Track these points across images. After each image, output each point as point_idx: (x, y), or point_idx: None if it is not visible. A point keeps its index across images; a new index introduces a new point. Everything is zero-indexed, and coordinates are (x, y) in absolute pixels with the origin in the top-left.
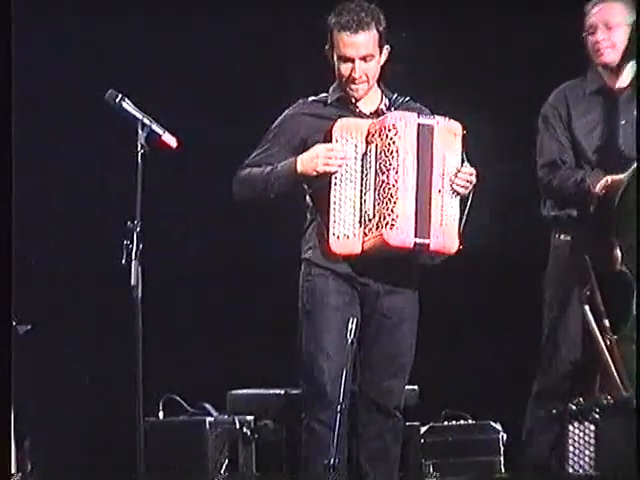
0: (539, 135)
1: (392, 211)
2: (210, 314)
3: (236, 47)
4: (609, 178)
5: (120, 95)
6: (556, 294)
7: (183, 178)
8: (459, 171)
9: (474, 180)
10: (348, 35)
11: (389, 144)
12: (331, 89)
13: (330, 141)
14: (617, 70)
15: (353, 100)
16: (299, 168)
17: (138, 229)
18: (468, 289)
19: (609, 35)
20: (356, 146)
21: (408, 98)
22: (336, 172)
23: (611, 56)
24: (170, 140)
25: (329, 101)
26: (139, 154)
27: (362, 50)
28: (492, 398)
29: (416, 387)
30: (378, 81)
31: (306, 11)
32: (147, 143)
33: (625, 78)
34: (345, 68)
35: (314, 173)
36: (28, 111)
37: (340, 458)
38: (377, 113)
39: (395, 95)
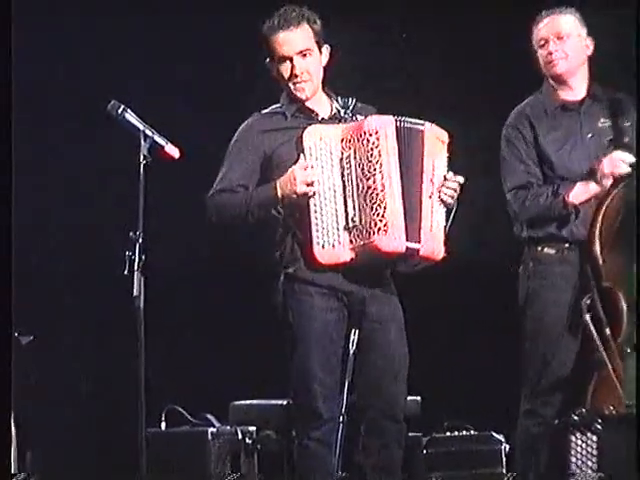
0: (503, 158)
1: (383, 216)
2: (212, 324)
3: (237, 52)
4: (581, 184)
5: (122, 106)
6: (545, 306)
7: (185, 188)
8: (447, 179)
9: (458, 190)
10: (281, 33)
11: (371, 149)
12: (282, 99)
13: (302, 151)
14: (571, 82)
15: (303, 98)
16: (279, 192)
17: (140, 240)
18: (469, 298)
19: (561, 46)
20: (331, 152)
21: (356, 100)
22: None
23: (564, 67)
24: (173, 151)
25: (286, 112)
26: (141, 165)
27: (297, 45)
28: (494, 409)
29: (418, 398)
30: (323, 85)
31: None
32: (150, 154)
33: (580, 89)
34: (285, 68)
35: (294, 195)
36: (27, 117)
37: (340, 474)
38: (335, 118)
39: (343, 98)
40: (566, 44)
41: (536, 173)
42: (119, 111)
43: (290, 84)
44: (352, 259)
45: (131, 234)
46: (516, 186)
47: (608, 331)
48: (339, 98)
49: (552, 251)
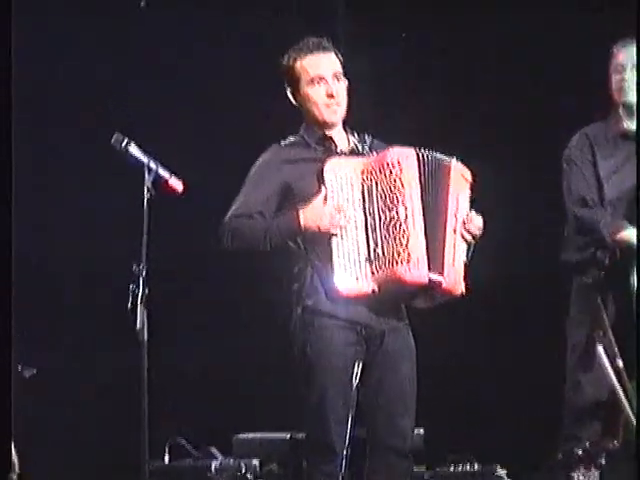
0: (565, 177)
1: (405, 247)
2: (215, 356)
3: (240, 86)
4: (626, 233)
5: (126, 140)
6: (577, 336)
7: (188, 220)
8: (469, 217)
9: (480, 230)
10: (315, 54)
11: (394, 180)
12: (303, 131)
13: (323, 183)
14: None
15: (334, 121)
16: (302, 223)
17: (144, 273)
18: (472, 332)
19: (636, 76)
20: (352, 184)
21: (372, 137)
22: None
23: (635, 96)
24: (176, 184)
25: (308, 141)
26: (145, 198)
27: (333, 66)
28: (498, 442)
29: (422, 430)
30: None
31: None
32: (153, 187)
33: None
34: (318, 89)
35: (317, 230)
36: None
37: None
38: (353, 152)
39: (360, 134)
40: None
41: (595, 193)
42: (122, 144)
43: (323, 105)
44: (373, 291)
45: (134, 267)
46: (577, 200)
47: (620, 363)
48: (355, 133)
49: (590, 279)
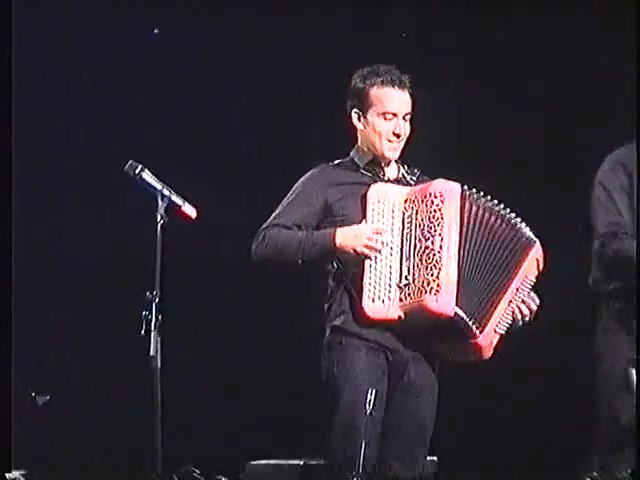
0: (594, 204)
1: (437, 277)
2: (228, 383)
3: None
4: None
5: (140, 166)
6: (612, 362)
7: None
8: (531, 296)
9: (533, 310)
10: (395, 89)
11: (434, 210)
12: (354, 153)
13: (364, 206)
14: None
15: (386, 160)
16: (338, 242)
17: (157, 300)
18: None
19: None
20: (393, 211)
21: (421, 171)
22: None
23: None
24: (190, 211)
25: (360, 166)
26: (158, 225)
27: (406, 106)
28: (511, 467)
29: (435, 458)
30: None
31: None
32: (166, 214)
33: None
34: (387, 124)
35: (351, 251)
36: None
37: None
38: (399, 181)
39: (410, 167)
40: None
41: (626, 222)
42: (136, 171)
43: (386, 141)
44: (399, 317)
45: (147, 294)
46: (602, 234)
47: None
48: (405, 165)
49: (623, 305)
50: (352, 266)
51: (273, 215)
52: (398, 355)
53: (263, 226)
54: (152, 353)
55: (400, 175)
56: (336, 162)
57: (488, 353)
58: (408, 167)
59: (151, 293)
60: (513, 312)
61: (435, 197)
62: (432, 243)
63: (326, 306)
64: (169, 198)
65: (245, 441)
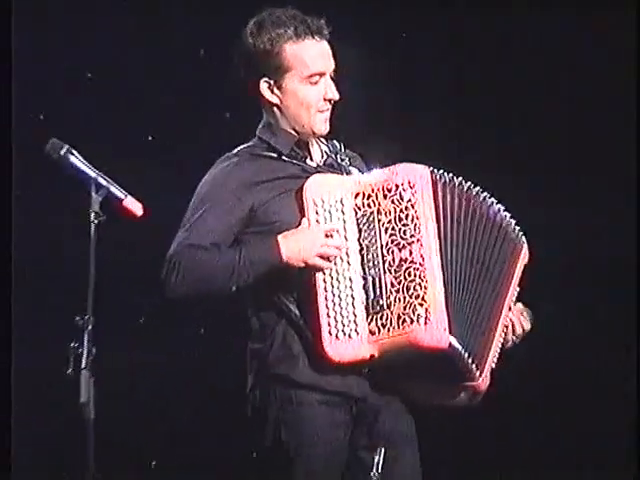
0: None
1: (423, 299)
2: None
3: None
4: None
5: (66, 147)
6: None
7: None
8: (524, 314)
9: (527, 329)
10: (317, 41)
11: (406, 207)
12: (267, 135)
13: (302, 208)
14: None
15: (316, 137)
16: (285, 255)
17: (90, 326)
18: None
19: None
20: (343, 212)
21: (344, 145)
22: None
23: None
24: (134, 206)
25: (283, 152)
26: (91, 225)
27: (331, 61)
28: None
29: None
30: None
31: None
32: (103, 210)
33: None
34: (316, 90)
35: (302, 264)
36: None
37: None
38: (330, 165)
39: (329, 141)
40: None
41: None
42: (61, 152)
43: (316, 112)
44: (372, 356)
45: (77, 318)
46: None
47: None
48: (324, 140)
49: None
50: (296, 289)
51: (180, 232)
52: (366, 405)
53: (171, 249)
54: (83, 399)
55: (324, 156)
56: (245, 149)
57: (485, 386)
58: (329, 142)
59: (82, 318)
60: (505, 334)
61: (404, 190)
62: (410, 253)
63: (257, 346)
64: (106, 189)
65: None
